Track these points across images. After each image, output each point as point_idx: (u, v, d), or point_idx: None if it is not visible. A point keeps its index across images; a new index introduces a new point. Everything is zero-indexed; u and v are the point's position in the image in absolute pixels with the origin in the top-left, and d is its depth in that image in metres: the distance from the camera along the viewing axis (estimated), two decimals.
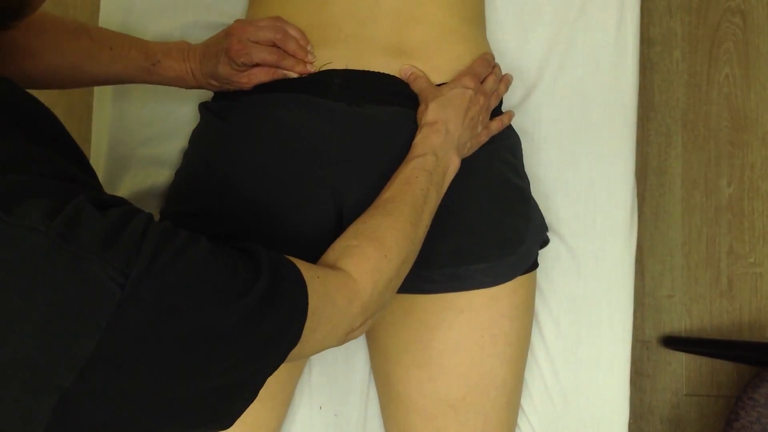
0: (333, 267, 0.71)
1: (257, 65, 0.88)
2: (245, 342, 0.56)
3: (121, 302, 0.48)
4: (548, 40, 1.07)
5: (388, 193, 0.80)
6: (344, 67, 0.90)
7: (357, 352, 1.02)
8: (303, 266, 0.64)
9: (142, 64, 0.89)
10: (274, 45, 0.88)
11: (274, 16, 0.90)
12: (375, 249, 0.73)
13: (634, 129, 1.07)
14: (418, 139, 0.85)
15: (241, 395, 0.59)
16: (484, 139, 0.91)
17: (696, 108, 1.60)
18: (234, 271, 0.57)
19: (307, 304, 0.62)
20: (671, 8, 1.63)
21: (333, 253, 0.73)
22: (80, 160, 0.67)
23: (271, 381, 0.89)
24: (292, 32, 0.89)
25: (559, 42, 1.06)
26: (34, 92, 1.63)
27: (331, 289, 0.67)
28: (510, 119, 0.96)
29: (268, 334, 0.58)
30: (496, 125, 0.93)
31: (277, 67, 0.89)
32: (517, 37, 1.07)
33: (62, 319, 0.47)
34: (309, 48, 0.90)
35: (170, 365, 0.52)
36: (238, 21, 0.90)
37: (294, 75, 0.89)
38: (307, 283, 0.63)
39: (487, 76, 0.93)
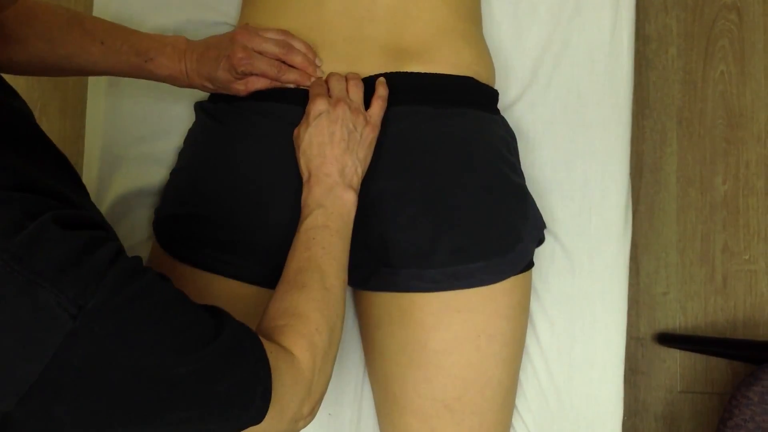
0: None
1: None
2: (198, 396, 0.55)
3: (70, 333, 0.47)
4: (543, 39, 1.06)
5: (294, 264, 0.77)
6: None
7: (350, 352, 1.02)
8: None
9: (133, 60, 0.87)
10: (277, 59, 0.88)
11: (281, 29, 0.89)
12: (304, 325, 0.71)
13: (629, 129, 1.07)
14: (303, 197, 0.83)
15: None
16: (373, 134, 0.87)
17: (691, 105, 1.60)
18: (196, 321, 0.56)
19: (270, 380, 0.61)
20: (667, 5, 1.62)
21: (261, 334, 0.70)
22: (59, 166, 0.65)
23: None
24: (298, 46, 0.88)
25: (554, 41, 1.06)
26: (29, 80, 1.61)
27: (280, 366, 0.64)
28: (384, 88, 0.89)
29: (225, 394, 0.57)
30: (376, 110, 0.87)
31: (277, 80, 0.88)
32: (512, 36, 1.06)
33: (8, 343, 0.46)
34: (317, 62, 0.89)
35: (113, 403, 0.51)
36: (243, 27, 0.89)
37: (292, 86, 0.89)
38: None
39: (328, 84, 0.88)
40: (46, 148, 0.65)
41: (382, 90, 0.88)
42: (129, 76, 0.91)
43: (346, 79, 0.89)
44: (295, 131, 0.86)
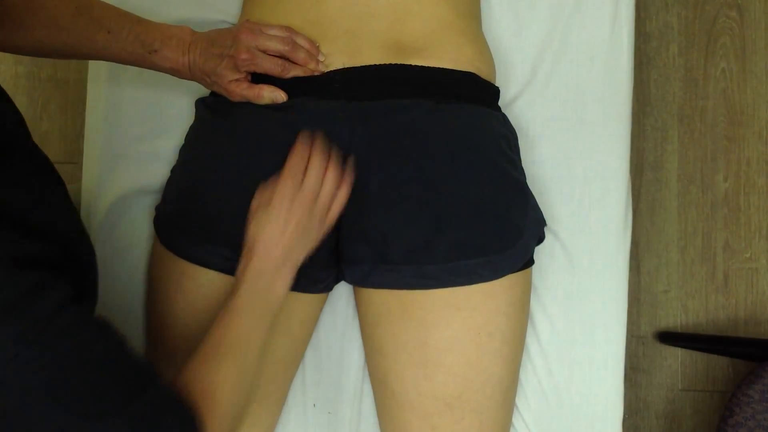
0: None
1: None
2: None
3: None
4: (543, 36, 1.06)
5: (216, 333, 0.76)
6: (342, 66, 0.90)
7: (351, 350, 1.02)
8: None
9: (138, 51, 0.87)
10: (281, 56, 0.88)
11: (283, 25, 0.90)
12: (215, 403, 0.70)
13: (629, 126, 1.06)
14: (239, 269, 0.80)
15: None
16: (327, 226, 0.86)
17: (692, 103, 1.60)
18: (120, 381, 0.57)
19: None
20: (668, 3, 1.62)
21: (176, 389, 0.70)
22: (34, 170, 0.65)
23: (266, 381, 0.89)
24: (302, 42, 0.89)
25: (554, 38, 1.06)
26: (31, 79, 1.60)
27: None
28: (351, 175, 0.87)
29: None
30: (335, 211, 0.86)
31: (280, 77, 0.88)
32: (511, 33, 1.06)
33: None
34: (320, 57, 0.90)
35: None
36: (246, 24, 0.89)
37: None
38: None
39: (309, 160, 0.84)
40: (18, 152, 0.64)
41: (348, 178, 0.86)
42: (132, 65, 0.90)
43: (327, 164, 0.85)
44: (254, 202, 0.83)
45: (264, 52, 0.88)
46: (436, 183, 0.86)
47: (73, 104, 1.61)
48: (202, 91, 1.00)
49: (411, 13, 0.91)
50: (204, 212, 0.88)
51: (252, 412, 0.89)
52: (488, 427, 0.90)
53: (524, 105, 1.05)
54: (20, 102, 1.59)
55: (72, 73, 1.62)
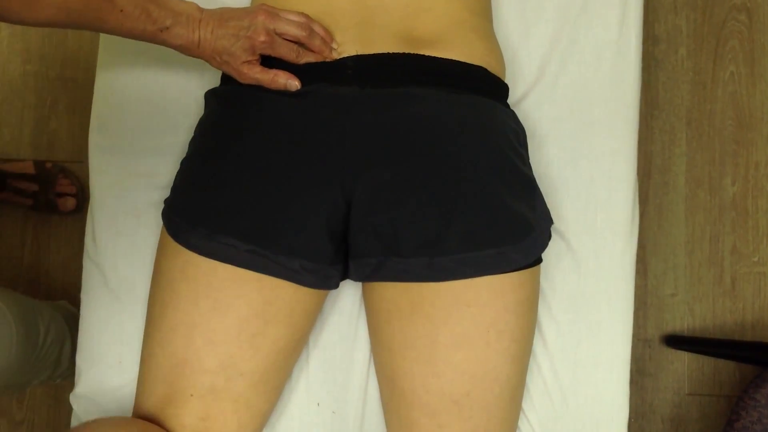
0: None
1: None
2: None
3: None
4: (550, 36, 1.06)
5: None
6: (355, 53, 0.90)
7: (355, 349, 1.02)
8: None
9: (149, 28, 0.87)
10: (297, 41, 0.89)
11: (300, 12, 0.91)
12: None
13: (636, 127, 1.06)
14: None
15: None
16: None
17: (701, 106, 1.60)
18: None
19: None
20: (676, 5, 1.62)
21: None
22: None
23: (267, 368, 0.89)
24: (318, 29, 0.90)
25: (561, 39, 1.06)
26: (38, 78, 1.60)
27: None
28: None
29: None
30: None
31: (294, 63, 0.89)
32: (518, 33, 1.07)
33: None
34: (334, 45, 0.91)
35: None
36: (264, 7, 0.89)
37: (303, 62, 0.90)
38: None
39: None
40: None
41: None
42: (140, 40, 0.90)
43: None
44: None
45: (280, 36, 0.88)
46: (448, 174, 0.86)
47: (82, 103, 1.62)
48: (210, 84, 1.01)
49: (423, 9, 0.92)
50: (214, 202, 0.88)
51: (248, 394, 0.89)
52: (496, 426, 0.89)
53: (531, 105, 1.05)
54: (28, 101, 1.60)
55: (80, 72, 1.63)
